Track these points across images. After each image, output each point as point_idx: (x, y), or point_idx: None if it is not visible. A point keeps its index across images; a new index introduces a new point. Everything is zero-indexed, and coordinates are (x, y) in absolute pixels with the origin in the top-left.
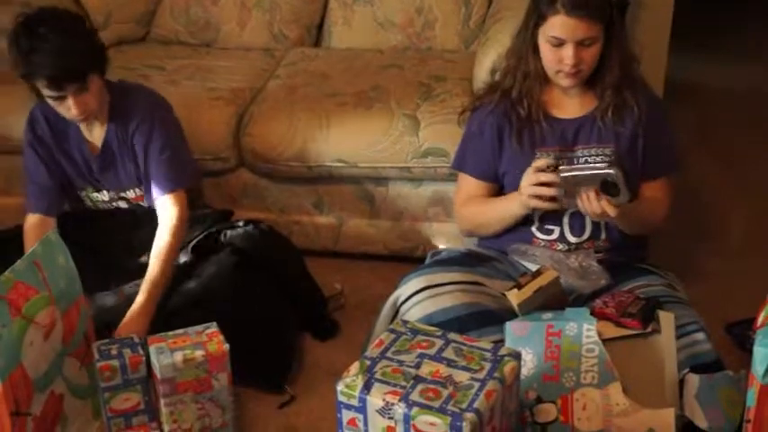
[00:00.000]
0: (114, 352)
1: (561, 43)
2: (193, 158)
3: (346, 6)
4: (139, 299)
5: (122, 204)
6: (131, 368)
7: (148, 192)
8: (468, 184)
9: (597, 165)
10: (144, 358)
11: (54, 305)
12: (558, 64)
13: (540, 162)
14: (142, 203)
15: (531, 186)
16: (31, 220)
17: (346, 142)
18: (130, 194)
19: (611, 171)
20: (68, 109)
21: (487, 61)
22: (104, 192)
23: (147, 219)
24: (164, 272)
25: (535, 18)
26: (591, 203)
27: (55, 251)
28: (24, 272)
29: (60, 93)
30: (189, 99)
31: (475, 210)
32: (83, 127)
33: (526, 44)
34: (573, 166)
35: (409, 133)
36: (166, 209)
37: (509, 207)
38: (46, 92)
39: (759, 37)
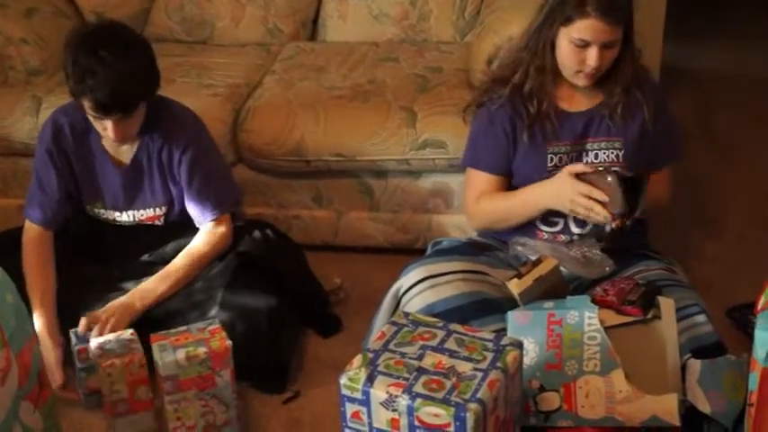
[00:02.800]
0: (89, 336)
1: (586, 45)
2: (235, 182)
3: (341, 0)
4: (144, 285)
5: (129, 221)
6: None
7: (171, 211)
8: (481, 181)
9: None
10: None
11: (8, 347)
12: (579, 64)
13: (578, 168)
14: (157, 223)
15: (584, 198)
16: (31, 232)
17: (344, 136)
18: (149, 212)
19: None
20: (105, 129)
21: (484, 52)
22: (115, 211)
23: (156, 228)
24: (185, 271)
25: (561, 19)
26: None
27: (3, 290)
28: None
29: (103, 118)
30: (185, 96)
31: (497, 205)
32: (107, 143)
33: (543, 41)
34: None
35: (407, 125)
36: (212, 230)
37: (537, 206)
38: (90, 112)
39: (756, 21)
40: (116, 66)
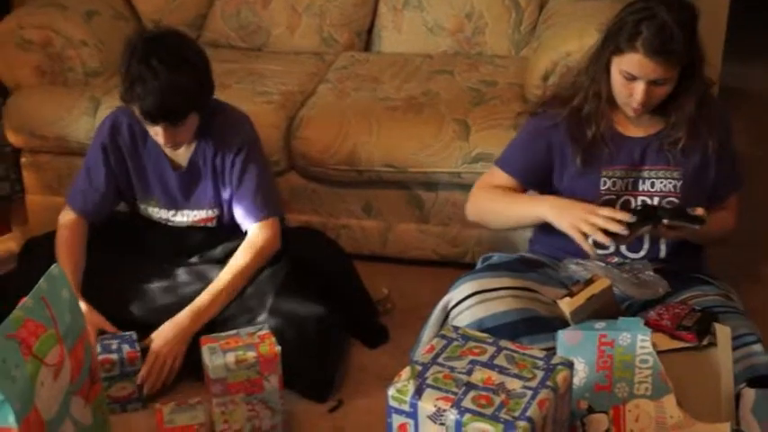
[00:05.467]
0: (114, 347)
1: (634, 78)
2: (279, 196)
3: (396, 11)
4: (191, 311)
5: (182, 221)
6: (128, 362)
7: (224, 214)
8: (500, 177)
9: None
10: (139, 353)
11: (61, 343)
12: (627, 97)
13: (605, 211)
14: (210, 225)
15: (603, 218)
16: (67, 217)
17: (396, 147)
18: (202, 214)
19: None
20: (156, 134)
21: (540, 67)
22: (169, 211)
23: (205, 230)
24: (232, 286)
25: (612, 47)
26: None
27: (59, 285)
28: (33, 309)
29: (155, 124)
30: (239, 103)
31: (497, 197)
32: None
33: (599, 67)
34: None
35: (460, 138)
36: (258, 234)
37: (535, 211)
38: (140, 116)
39: None
40: (166, 77)
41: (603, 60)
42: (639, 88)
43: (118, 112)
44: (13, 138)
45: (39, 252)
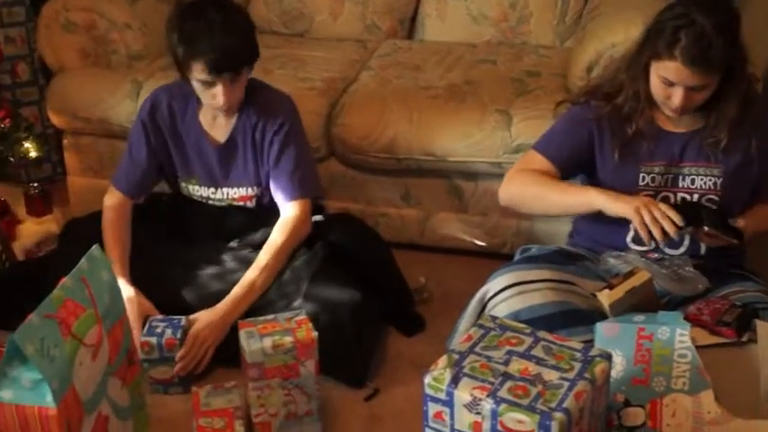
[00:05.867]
0: (159, 330)
1: (672, 84)
2: (319, 177)
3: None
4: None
5: (222, 199)
6: (167, 348)
7: (263, 194)
8: (539, 162)
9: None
10: (178, 342)
11: (100, 323)
12: (665, 99)
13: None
14: (249, 205)
15: (661, 213)
16: (112, 198)
17: (437, 136)
18: (241, 191)
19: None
20: (214, 96)
21: (585, 58)
22: (210, 188)
23: (243, 210)
24: (268, 268)
25: (650, 51)
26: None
27: (99, 266)
28: (73, 289)
29: (216, 78)
30: (282, 88)
31: (540, 181)
32: (203, 120)
33: (638, 68)
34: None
35: (501, 128)
36: (290, 213)
37: (586, 197)
38: (201, 76)
39: None
40: (224, 25)
41: (642, 62)
42: (678, 93)
43: (158, 91)
44: (55, 119)
45: (79, 233)
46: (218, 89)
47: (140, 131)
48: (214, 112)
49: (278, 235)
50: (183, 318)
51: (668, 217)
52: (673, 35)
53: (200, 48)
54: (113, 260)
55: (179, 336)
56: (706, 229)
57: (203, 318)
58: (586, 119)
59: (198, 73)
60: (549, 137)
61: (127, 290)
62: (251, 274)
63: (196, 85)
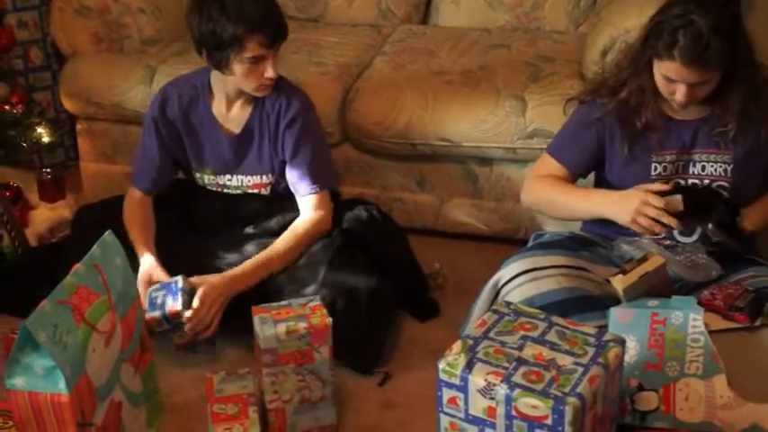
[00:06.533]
0: (159, 301)
1: (674, 81)
2: (335, 169)
3: None
4: (244, 266)
5: (236, 186)
6: (171, 317)
7: (278, 182)
8: (554, 167)
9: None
10: (181, 308)
11: (113, 310)
12: (670, 94)
13: (655, 186)
14: (264, 192)
15: (646, 219)
16: (134, 196)
17: (451, 121)
18: (256, 179)
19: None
20: (263, 73)
21: (599, 43)
22: (225, 175)
23: (258, 197)
24: (284, 253)
25: (652, 51)
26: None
27: (112, 253)
28: (86, 275)
29: (269, 50)
30: (295, 73)
31: (558, 189)
32: (216, 112)
33: (641, 64)
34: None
35: (516, 114)
36: (312, 209)
37: (594, 207)
38: (256, 51)
39: None
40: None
41: (644, 59)
42: (681, 90)
43: (166, 87)
44: (68, 104)
45: (92, 219)
46: (269, 63)
47: (152, 129)
48: (244, 96)
49: (300, 226)
50: (179, 278)
51: (664, 211)
52: (671, 36)
53: (257, 21)
54: (140, 243)
55: (179, 300)
56: (710, 227)
57: (211, 280)
58: (594, 118)
59: (252, 49)
60: (561, 140)
61: (149, 259)
62: (267, 253)
63: (240, 69)
